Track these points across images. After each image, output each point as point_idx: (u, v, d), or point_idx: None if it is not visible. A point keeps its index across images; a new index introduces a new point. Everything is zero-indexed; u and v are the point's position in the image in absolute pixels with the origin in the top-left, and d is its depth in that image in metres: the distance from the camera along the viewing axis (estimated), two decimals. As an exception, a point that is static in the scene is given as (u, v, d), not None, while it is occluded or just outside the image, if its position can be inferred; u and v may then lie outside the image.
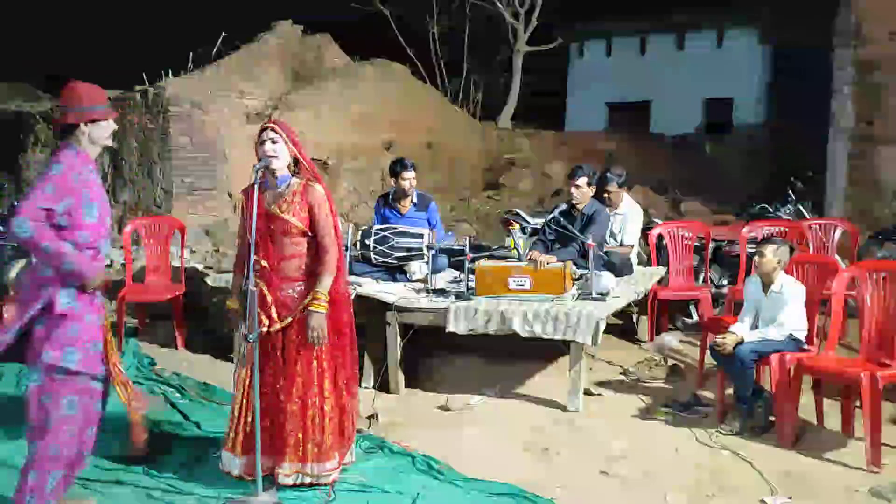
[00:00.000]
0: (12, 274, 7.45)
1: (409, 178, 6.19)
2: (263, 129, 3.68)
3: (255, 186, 3.53)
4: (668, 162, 15.34)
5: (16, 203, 7.75)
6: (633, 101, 18.95)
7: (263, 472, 3.54)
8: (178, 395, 5.13)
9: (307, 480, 3.64)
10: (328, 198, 3.68)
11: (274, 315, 3.62)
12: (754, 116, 17.26)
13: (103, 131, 3.38)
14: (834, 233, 7.08)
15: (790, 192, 8.68)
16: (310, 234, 3.63)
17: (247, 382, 3.64)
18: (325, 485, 3.64)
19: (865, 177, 10.51)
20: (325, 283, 3.59)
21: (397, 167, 6.25)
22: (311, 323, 3.55)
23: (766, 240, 5.10)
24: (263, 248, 3.63)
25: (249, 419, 3.62)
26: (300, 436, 3.62)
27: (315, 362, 3.65)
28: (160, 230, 6.80)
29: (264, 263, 3.63)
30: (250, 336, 3.46)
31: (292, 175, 3.69)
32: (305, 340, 3.60)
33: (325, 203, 3.65)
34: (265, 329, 3.58)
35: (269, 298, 3.62)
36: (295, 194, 3.63)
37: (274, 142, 3.63)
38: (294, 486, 3.64)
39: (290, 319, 3.62)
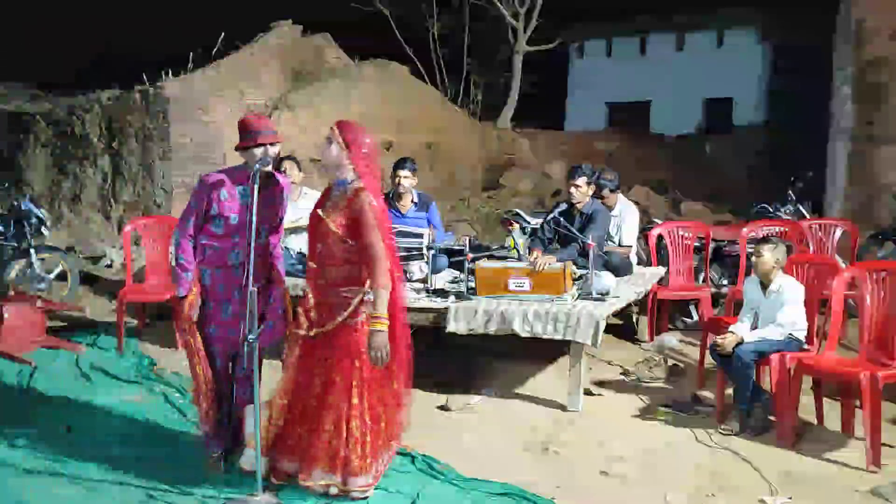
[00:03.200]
0: (12, 274, 7.46)
1: (401, 176, 6.14)
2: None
3: (255, 186, 3.53)
4: (668, 162, 15.34)
5: (15, 203, 7.75)
6: (633, 101, 18.97)
7: (288, 475, 3.52)
8: (178, 395, 5.13)
9: (334, 491, 3.55)
10: (374, 208, 3.48)
11: (314, 318, 3.57)
12: (754, 116, 17.28)
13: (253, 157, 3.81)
14: (834, 233, 7.08)
15: (790, 192, 8.68)
16: (349, 241, 3.49)
17: (290, 386, 3.59)
18: (357, 499, 3.56)
19: (865, 177, 10.50)
20: (381, 300, 3.40)
21: (397, 165, 6.24)
22: (371, 343, 3.41)
23: (764, 240, 5.11)
24: (312, 250, 3.63)
25: (281, 422, 3.59)
26: (333, 443, 3.52)
27: (355, 374, 3.52)
28: (160, 230, 6.78)
29: (312, 265, 3.63)
30: (250, 336, 3.45)
31: (352, 180, 3.55)
32: (348, 350, 3.51)
33: (369, 213, 3.46)
34: (303, 332, 3.56)
35: (311, 301, 3.59)
36: (344, 199, 3.53)
37: (329, 142, 3.56)
38: (326, 495, 3.57)
39: (332, 325, 3.52)
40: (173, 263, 4.15)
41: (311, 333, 3.55)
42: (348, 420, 3.51)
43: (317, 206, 3.65)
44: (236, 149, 3.90)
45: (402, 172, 6.13)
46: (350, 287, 3.49)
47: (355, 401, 3.51)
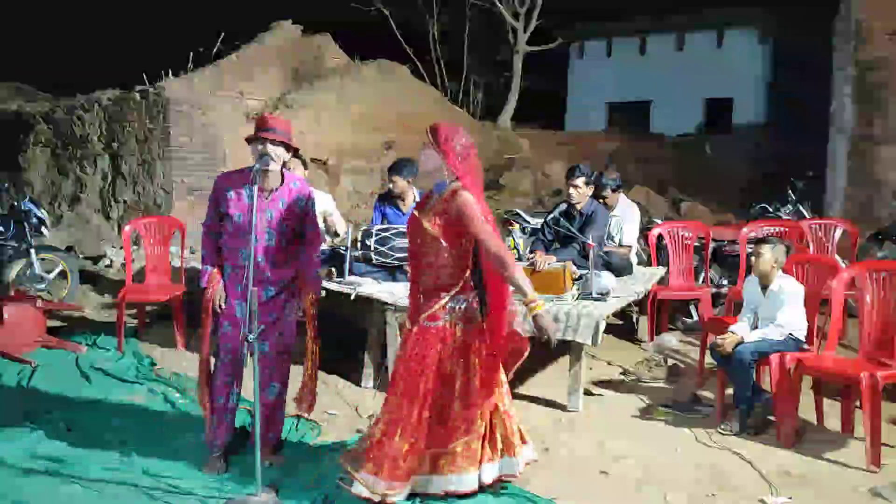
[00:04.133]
0: (12, 274, 7.46)
1: (394, 181, 6.08)
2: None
3: (255, 187, 3.53)
4: (668, 162, 15.34)
5: (15, 203, 7.75)
6: (633, 101, 18.98)
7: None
8: (177, 395, 5.13)
9: (364, 492, 3.43)
10: (474, 203, 3.35)
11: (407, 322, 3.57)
12: (754, 116, 17.29)
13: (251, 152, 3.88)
14: (834, 233, 7.08)
15: (790, 192, 8.68)
16: (444, 243, 3.38)
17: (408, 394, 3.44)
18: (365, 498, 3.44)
19: (865, 177, 10.51)
20: (522, 284, 3.34)
21: (391, 168, 6.19)
22: (539, 328, 3.36)
23: (762, 240, 5.09)
24: (410, 254, 3.60)
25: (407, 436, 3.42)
26: (383, 445, 3.45)
27: (420, 383, 3.43)
28: (160, 230, 6.79)
29: (410, 269, 3.63)
30: (250, 336, 3.45)
31: (450, 182, 3.43)
32: (413, 353, 3.43)
33: (471, 206, 3.33)
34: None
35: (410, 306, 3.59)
36: (441, 201, 3.43)
37: (425, 147, 3.45)
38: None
39: (414, 327, 3.46)
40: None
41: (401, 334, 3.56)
42: (397, 426, 3.43)
43: (416, 208, 3.60)
44: (246, 139, 3.95)
45: (396, 177, 6.05)
46: (439, 292, 3.42)
47: (404, 411, 3.42)
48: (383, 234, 5.79)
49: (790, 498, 3.80)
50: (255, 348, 3.46)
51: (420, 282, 3.52)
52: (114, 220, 9.98)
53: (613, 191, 6.61)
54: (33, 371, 5.46)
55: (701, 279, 6.94)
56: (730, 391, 4.86)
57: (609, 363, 6.05)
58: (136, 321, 6.70)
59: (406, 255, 5.75)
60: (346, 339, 5.59)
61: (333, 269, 5.71)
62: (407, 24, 17.85)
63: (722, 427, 4.66)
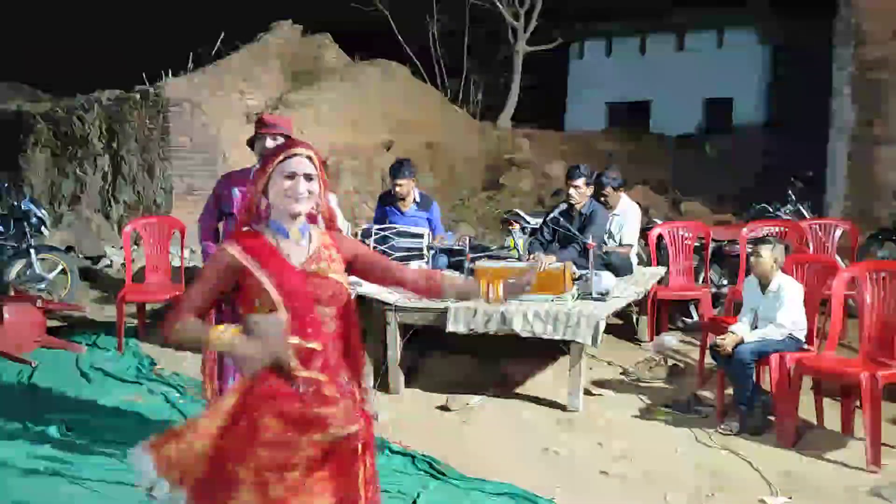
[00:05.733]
0: (12, 274, 7.46)
1: (401, 184, 6.13)
2: (293, 154, 2.25)
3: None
4: (668, 162, 15.33)
5: (15, 203, 7.76)
6: (633, 101, 18.95)
7: None
8: (177, 394, 5.14)
9: None
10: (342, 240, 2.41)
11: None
12: (754, 116, 17.26)
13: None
14: (834, 233, 7.07)
15: (790, 192, 8.68)
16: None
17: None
18: None
19: (865, 177, 10.50)
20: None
21: (393, 171, 6.22)
22: None
23: (761, 240, 5.09)
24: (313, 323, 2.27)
25: None
26: None
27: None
28: (160, 230, 6.79)
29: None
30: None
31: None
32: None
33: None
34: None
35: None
36: (326, 246, 2.33)
37: (309, 178, 2.26)
38: None
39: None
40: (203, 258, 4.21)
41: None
42: None
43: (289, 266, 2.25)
44: (247, 143, 3.94)
45: (401, 181, 6.09)
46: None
47: None
48: (383, 234, 5.80)
49: (790, 498, 3.81)
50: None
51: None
52: (114, 220, 9.99)
53: (614, 189, 6.61)
54: (33, 371, 5.47)
55: (701, 279, 6.94)
56: (730, 391, 4.87)
57: (609, 363, 6.04)
58: (136, 321, 6.70)
59: (406, 254, 5.78)
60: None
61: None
62: (407, 25, 17.83)
63: (722, 427, 4.66)
